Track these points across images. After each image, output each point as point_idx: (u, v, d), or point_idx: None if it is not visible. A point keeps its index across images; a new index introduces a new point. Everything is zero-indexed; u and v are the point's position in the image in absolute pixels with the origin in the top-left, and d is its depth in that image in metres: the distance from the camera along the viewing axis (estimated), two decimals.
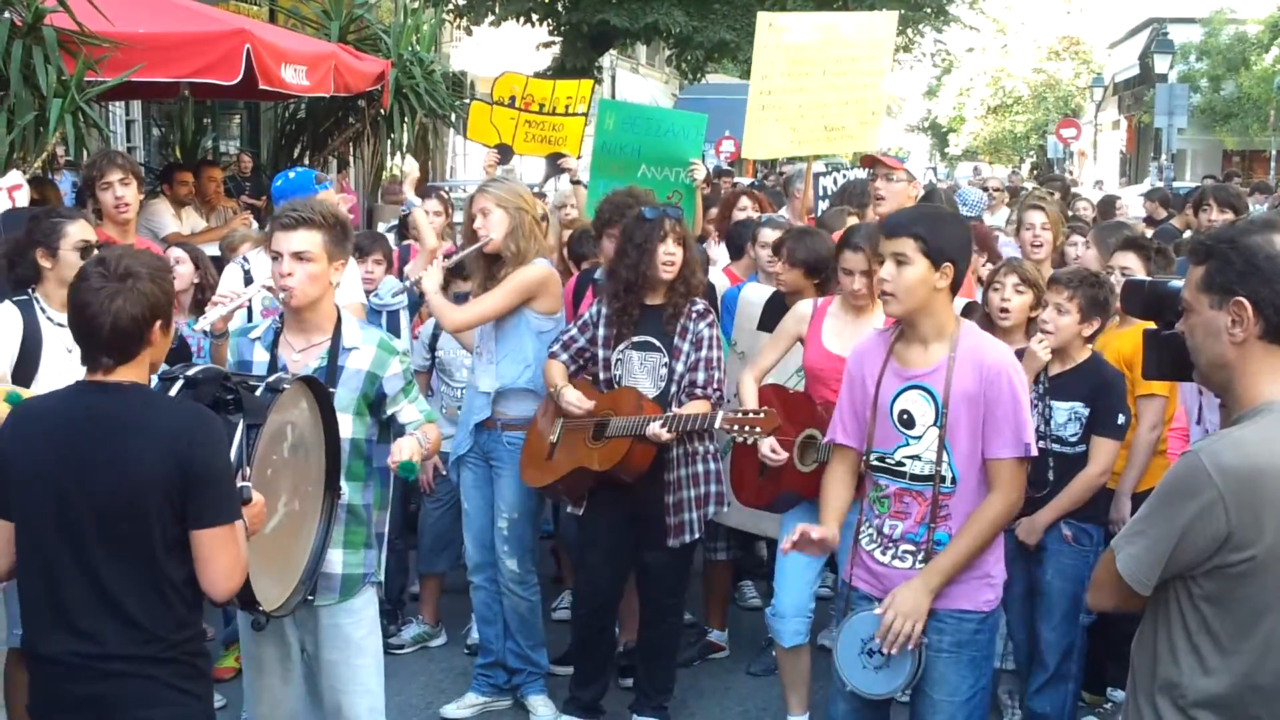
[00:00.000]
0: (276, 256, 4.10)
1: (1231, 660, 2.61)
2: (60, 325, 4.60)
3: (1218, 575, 2.57)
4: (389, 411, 4.26)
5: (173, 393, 3.48)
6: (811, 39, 7.48)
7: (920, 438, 3.88)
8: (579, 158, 8.57)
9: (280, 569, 3.83)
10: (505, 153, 8.65)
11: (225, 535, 3.21)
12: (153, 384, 3.44)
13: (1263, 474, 2.52)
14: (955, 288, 3.91)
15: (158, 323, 3.25)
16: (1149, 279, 3.13)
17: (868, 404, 3.98)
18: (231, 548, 3.23)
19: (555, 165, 8.69)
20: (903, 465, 3.92)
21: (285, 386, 3.64)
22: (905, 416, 3.90)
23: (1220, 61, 38.57)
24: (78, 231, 4.85)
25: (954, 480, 3.86)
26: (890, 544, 3.96)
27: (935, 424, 3.85)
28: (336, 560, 4.11)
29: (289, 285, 4.07)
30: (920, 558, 3.89)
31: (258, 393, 3.57)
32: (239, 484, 3.35)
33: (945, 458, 3.85)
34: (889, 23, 8.00)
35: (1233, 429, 2.64)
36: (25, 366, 4.68)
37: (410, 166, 8.09)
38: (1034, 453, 3.86)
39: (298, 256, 4.05)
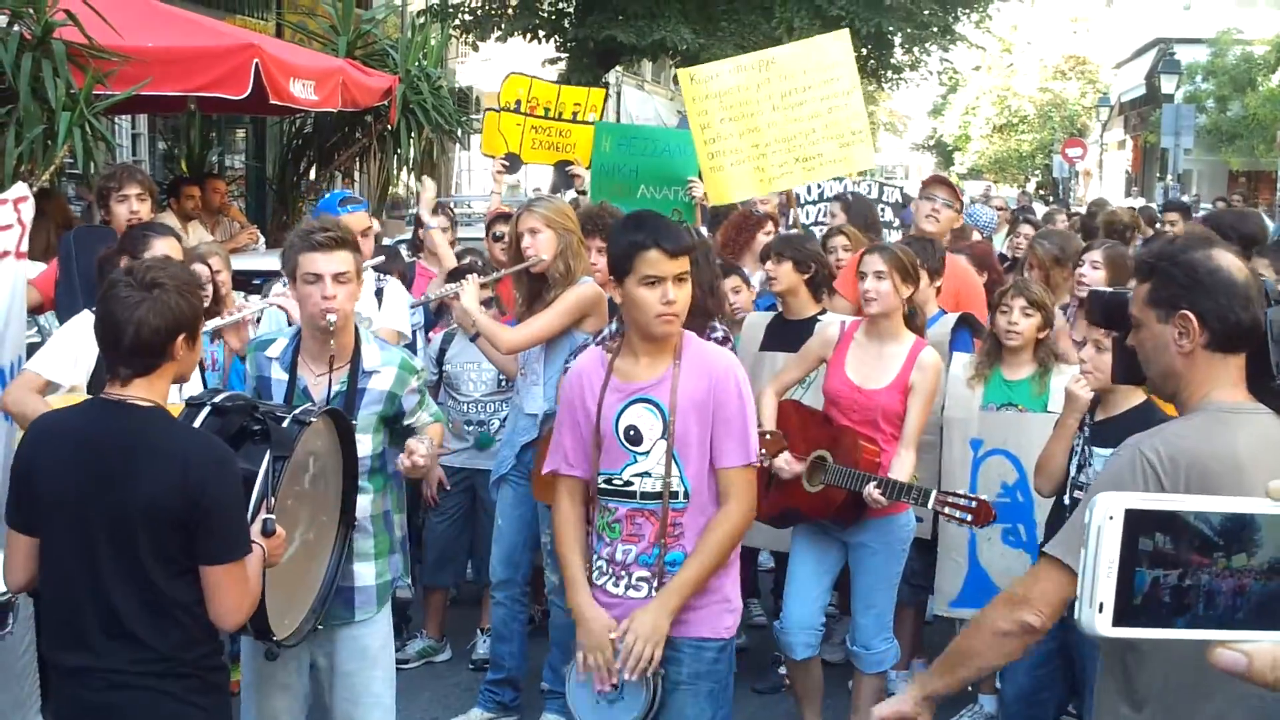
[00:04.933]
0: (315, 279, 4.00)
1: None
2: None
3: None
4: (406, 423, 4.27)
5: (199, 420, 3.48)
6: (741, 81, 7.46)
7: (648, 453, 3.70)
8: (589, 167, 8.56)
9: (292, 597, 3.83)
10: (513, 161, 8.61)
11: (233, 572, 3.21)
12: (177, 397, 3.42)
13: (1191, 463, 2.61)
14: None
15: (181, 336, 3.23)
16: (1110, 288, 3.22)
17: (590, 426, 3.77)
18: (239, 583, 3.22)
19: (565, 174, 8.65)
20: (631, 484, 3.72)
21: (312, 420, 3.62)
22: (632, 432, 3.71)
23: (1227, 82, 38.53)
24: (162, 246, 4.85)
25: (686, 494, 3.70)
26: (623, 571, 3.75)
27: (662, 436, 3.68)
28: (369, 573, 4.17)
29: (334, 308, 3.98)
30: (655, 585, 3.70)
31: (284, 424, 3.54)
32: (263, 516, 3.35)
33: (675, 471, 3.68)
34: (839, 42, 7.89)
35: (1165, 425, 2.82)
36: (103, 377, 4.71)
37: (427, 186, 8.03)
38: (759, 462, 3.75)
39: (338, 278, 3.99)
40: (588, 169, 8.39)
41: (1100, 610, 1.18)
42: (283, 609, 3.73)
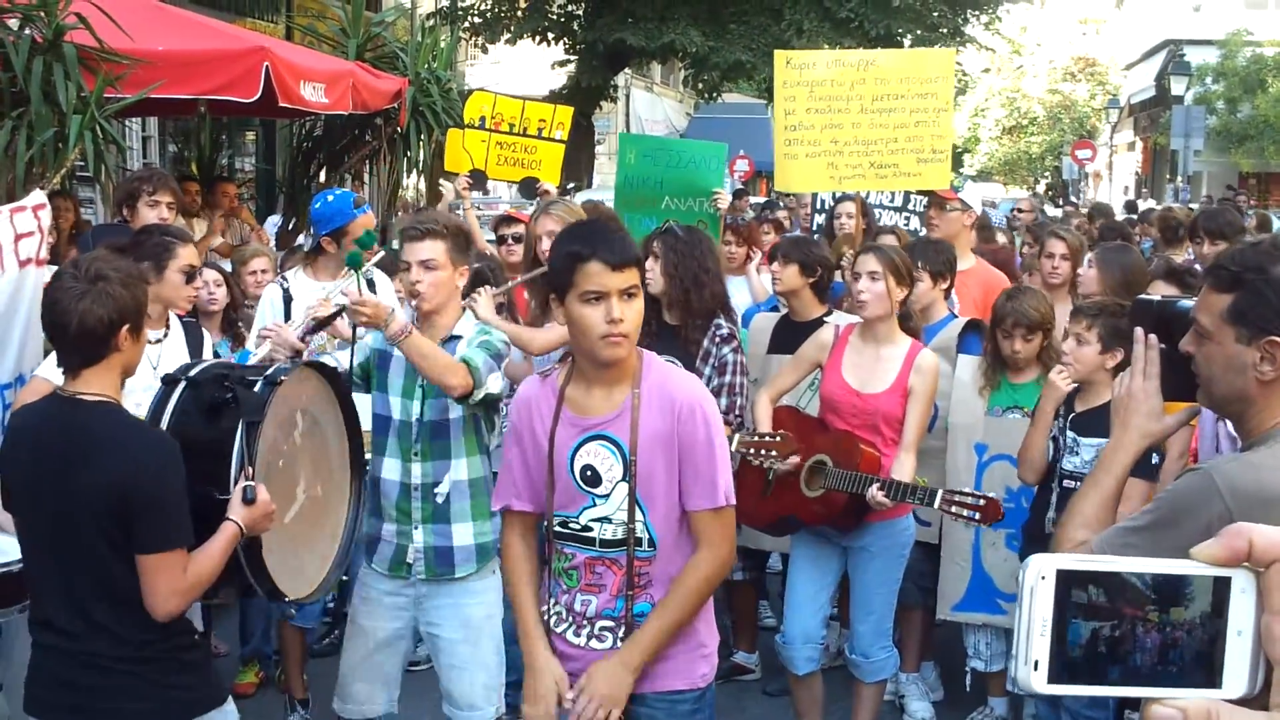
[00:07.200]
0: (406, 266, 4.36)
1: None
2: (153, 341, 4.65)
3: None
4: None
5: (175, 397, 3.57)
6: (837, 76, 7.36)
7: (608, 496, 3.33)
8: (557, 185, 8.65)
9: (305, 554, 3.92)
10: (478, 178, 8.63)
11: (163, 561, 3.28)
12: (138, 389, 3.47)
13: (1275, 498, 2.37)
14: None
15: (125, 327, 3.31)
16: (1160, 297, 2.98)
17: (542, 461, 3.39)
18: (170, 574, 3.28)
19: (531, 189, 8.65)
20: (590, 530, 3.36)
21: (283, 379, 3.68)
22: (589, 473, 3.33)
23: (1237, 84, 38.51)
24: (186, 255, 4.90)
25: (652, 542, 3.33)
26: (584, 621, 3.41)
27: (624, 478, 3.31)
28: (467, 533, 4.40)
29: (419, 291, 4.31)
30: (621, 634, 3.36)
31: (256, 388, 3.61)
32: (243, 484, 3.42)
33: (639, 516, 3.31)
34: (943, 59, 7.78)
35: (1246, 452, 2.51)
36: None
37: (448, 190, 8.16)
38: (734, 502, 3.35)
39: (424, 265, 4.30)
40: (555, 186, 8.48)
41: (1035, 668, 1.21)
42: (296, 565, 3.81)
